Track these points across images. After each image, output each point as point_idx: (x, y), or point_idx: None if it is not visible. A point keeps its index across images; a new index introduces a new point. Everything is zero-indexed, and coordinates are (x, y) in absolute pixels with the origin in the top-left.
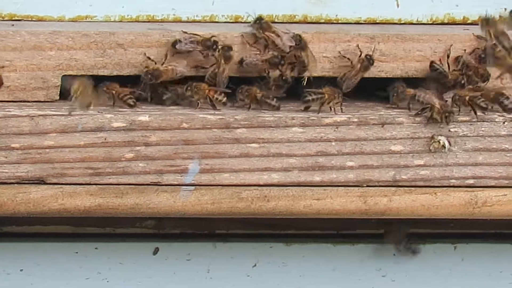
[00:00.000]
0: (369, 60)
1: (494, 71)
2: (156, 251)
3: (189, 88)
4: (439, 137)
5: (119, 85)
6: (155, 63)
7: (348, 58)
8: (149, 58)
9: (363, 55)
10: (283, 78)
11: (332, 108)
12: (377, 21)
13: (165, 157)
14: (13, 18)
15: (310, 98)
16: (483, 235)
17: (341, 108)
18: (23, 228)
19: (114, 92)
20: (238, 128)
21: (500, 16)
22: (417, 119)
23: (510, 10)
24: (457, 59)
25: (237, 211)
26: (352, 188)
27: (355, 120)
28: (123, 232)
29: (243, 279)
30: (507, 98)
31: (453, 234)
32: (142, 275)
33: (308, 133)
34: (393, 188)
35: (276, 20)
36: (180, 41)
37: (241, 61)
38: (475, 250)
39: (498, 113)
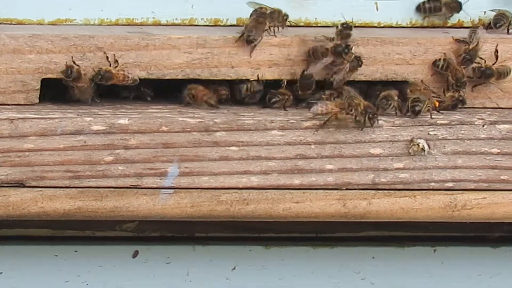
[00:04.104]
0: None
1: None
2: (135, 254)
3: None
4: (419, 140)
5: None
6: (110, 65)
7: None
8: (107, 58)
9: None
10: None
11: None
12: (357, 25)
13: (145, 160)
14: None
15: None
16: (462, 238)
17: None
18: (3, 231)
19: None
20: (217, 131)
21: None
22: (397, 122)
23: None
24: (434, 62)
25: (216, 214)
26: (331, 191)
27: (334, 123)
28: (102, 235)
29: (223, 282)
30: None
31: (433, 237)
32: (122, 278)
33: (288, 136)
34: (373, 191)
35: None
36: None
37: None
38: (455, 253)
39: (478, 117)
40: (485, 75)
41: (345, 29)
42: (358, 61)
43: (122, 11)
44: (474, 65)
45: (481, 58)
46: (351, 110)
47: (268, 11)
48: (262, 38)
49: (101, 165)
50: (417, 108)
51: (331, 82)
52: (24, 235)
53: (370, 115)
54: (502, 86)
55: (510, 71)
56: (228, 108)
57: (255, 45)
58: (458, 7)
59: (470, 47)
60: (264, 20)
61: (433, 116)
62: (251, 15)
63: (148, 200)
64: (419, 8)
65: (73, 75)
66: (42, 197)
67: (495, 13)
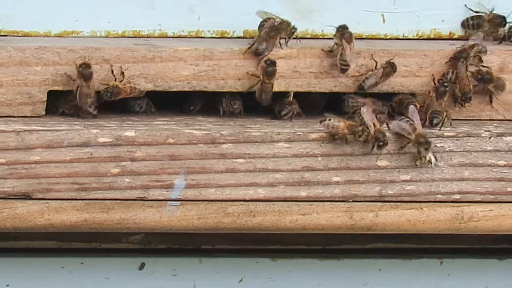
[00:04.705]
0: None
1: None
2: (142, 266)
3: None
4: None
5: None
6: (115, 79)
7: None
8: (112, 71)
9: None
10: None
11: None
12: (363, 37)
13: (151, 172)
14: None
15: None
16: (469, 250)
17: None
18: (9, 243)
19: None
20: (224, 143)
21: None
22: None
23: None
24: (443, 75)
25: (223, 226)
26: (338, 203)
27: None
28: (109, 247)
29: None
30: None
31: (439, 249)
32: None
33: (294, 148)
34: (379, 203)
35: None
36: None
37: None
38: (461, 265)
39: (485, 129)
40: (483, 80)
41: (344, 30)
42: (392, 67)
43: (128, 23)
44: (475, 68)
45: (484, 66)
46: (360, 136)
47: (278, 23)
48: (271, 51)
49: (107, 177)
50: (435, 121)
51: (361, 87)
52: (30, 247)
53: (380, 143)
54: (504, 99)
55: (505, 85)
56: (235, 120)
57: (262, 58)
58: (502, 23)
59: (465, 46)
60: (276, 34)
61: (440, 128)
62: (261, 26)
63: (155, 212)
64: (463, 24)
65: (86, 71)
66: (49, 209)
67: (510, 25)
